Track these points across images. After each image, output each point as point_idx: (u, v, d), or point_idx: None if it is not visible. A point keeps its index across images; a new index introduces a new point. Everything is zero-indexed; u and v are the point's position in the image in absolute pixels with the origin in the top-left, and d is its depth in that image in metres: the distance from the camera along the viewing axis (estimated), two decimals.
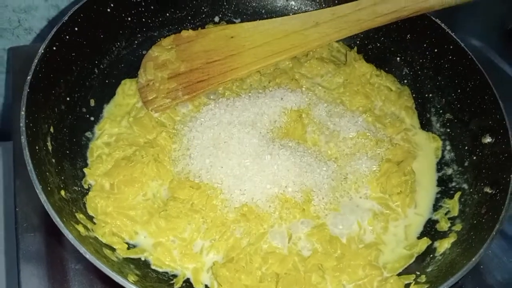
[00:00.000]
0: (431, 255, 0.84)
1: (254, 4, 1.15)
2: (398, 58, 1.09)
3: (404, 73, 1.08)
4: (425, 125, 1.03)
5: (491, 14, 1.32)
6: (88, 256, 0.68)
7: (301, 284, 0.79)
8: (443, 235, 0.87)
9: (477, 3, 0.99)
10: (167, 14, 1.08)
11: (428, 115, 1.04)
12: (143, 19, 1.05)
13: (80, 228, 0.77)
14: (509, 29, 1.38)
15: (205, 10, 1.12)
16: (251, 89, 1.02)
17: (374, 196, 0.91)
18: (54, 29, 0.88)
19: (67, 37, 0.90)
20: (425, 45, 1.05)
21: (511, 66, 1.28)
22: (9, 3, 1.20)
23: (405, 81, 1.08)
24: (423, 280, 0.78)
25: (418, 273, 0.81)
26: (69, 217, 0.76)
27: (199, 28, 1.10)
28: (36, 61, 0.83)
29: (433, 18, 1.01)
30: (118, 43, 1.03)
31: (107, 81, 1.01)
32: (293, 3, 1.16)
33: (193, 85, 0.99)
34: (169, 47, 1.04)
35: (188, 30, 1.07)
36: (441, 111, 1.02)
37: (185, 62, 1.01)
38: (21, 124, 0.77)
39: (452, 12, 1.01)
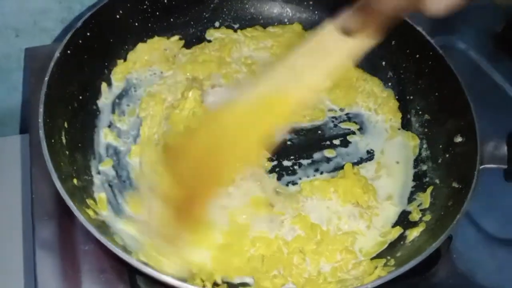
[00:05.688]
0: (402, 242, 0.92)
1: (252, 11, 1.22)
2: (383, 62, 1.16)
3: (388, 76, 1.16)
4: (406, 125, 1.10)
5: (480, 17, 1.35)
6: (97, 235, 0.77)
7: (284, 264, 0.87)
8: (414, 224, 0.94)
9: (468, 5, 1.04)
10: (171, 20, 1.16)
11: (409, 116, 1.11)
12: (149, 24, 1.13)
13: (90, 212, 0.85)
14: (498, 33, 1.42)
15: (206, 16, 1.19)
16: None
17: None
18: (69, 35, 0.96)
19: (80, 41, 0.99)
20: (408, 50, 1.12)
21: (498, 70, 1.33)
22: (26, 6, 1.27)
23: (390, 83, 1.15)
24: (392, 264, 0.86)
25: (388, 257, 0.89)
26: (80, 202, 0.84)
27: (201, 32, 1.18)
28: (52, 63, 0.92)
29: (415, 26, 1.08)
30: (126, 46, 1.11)
31: None
32: (288, 9, 1.23)
33: None
34: None
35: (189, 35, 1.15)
36: (420, 112, 1.10)
37: None
38: (40, 120, 0.86)
39: None
